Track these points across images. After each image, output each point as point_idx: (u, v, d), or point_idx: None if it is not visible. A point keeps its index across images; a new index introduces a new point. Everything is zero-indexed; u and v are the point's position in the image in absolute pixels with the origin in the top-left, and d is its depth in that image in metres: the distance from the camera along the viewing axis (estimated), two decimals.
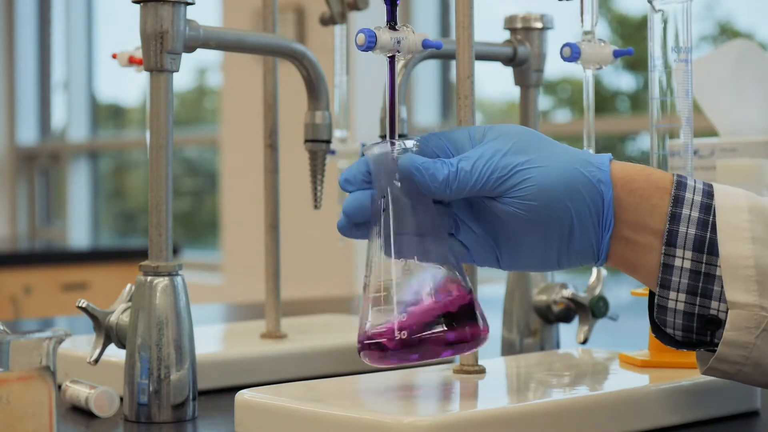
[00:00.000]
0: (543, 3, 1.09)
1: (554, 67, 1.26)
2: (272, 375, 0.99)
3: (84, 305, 0.86)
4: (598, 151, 0.92)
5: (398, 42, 0.78)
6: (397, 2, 0.79)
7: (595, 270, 1.06)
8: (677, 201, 0.76)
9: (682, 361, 0.88)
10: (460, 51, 0.85)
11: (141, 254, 2.90)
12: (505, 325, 1.08)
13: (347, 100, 1.16)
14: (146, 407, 0.84)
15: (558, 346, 1.09)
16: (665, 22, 0.89)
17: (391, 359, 0.75)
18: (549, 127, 3.09)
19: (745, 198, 0.76)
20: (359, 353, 0.76)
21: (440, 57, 1.02)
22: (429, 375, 0.87)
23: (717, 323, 0.75)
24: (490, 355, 1.00)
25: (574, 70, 1.55)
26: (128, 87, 4.74)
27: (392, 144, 0.77)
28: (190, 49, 0.88)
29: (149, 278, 0.85)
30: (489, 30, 1.14)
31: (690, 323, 0.76)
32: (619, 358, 0.93)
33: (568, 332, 1.11)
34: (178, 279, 0.86)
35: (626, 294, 1.06)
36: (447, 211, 0.79)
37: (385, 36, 0.78)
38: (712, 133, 1.25)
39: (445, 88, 3.37)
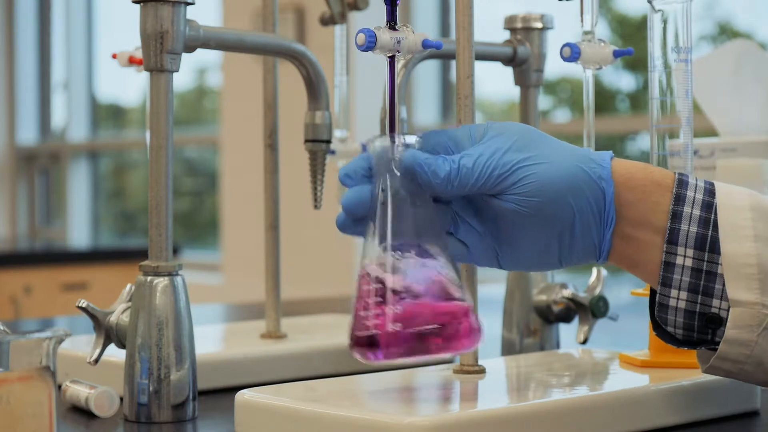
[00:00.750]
0: (543, 3, 1.09)
1: (554, 67, 1.26)
2: (272, 375, 0.99)
3: (84, 305, 0.86)
4: (597, 151, 0.92)
5: (398, 42, 0.78)
6: (397, 2, 0.79)
7: (595, 270, 1.06)
8: (679, 199, 0.76)
9: (682, 361, 0.88)
10: (460, 51, 0.85)
11: (141, 254, 2.90)
12: (505, 325, 1.08)
13: (347, 100, 1.16)
14: (146, 407, 0.84)
15: (558, 346, 1.09)
16: (665, 22, 0.89)
17: (383, 354, 0.75)
18: (549, 126, 3.09)
19: (748, 196, 0.76)
20: (350, 348, 0.75)
21: (440, 57, 1.02)
22: (429, 375, 0.87)
23: (718, 321, 0.75)
24: (490, 355, 1.00)
25: (574, 69, 1.54)
26: (128, 87, 4.75)
27: (394, 139, 0.77)
28: (190, 49, 0.88)
29: (149, 278, 0.85)
30: (489, 30, 1.14)
31: (691, 321, 0.76)
32: (619, 358, 0.93)
33: (568, 332, 1.11)
34: (178, 279, 0.86)
35: (626, 294, 1.06)
36: (446, 209, 0.79)
37: (385, 36, 0.78)
38: (712, 133, 1.25)
39: (445, 88, 3.37)
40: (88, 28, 4.63)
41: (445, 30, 3.34)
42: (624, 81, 3.22)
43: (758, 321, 0.74)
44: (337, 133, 1.14)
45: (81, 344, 1.01)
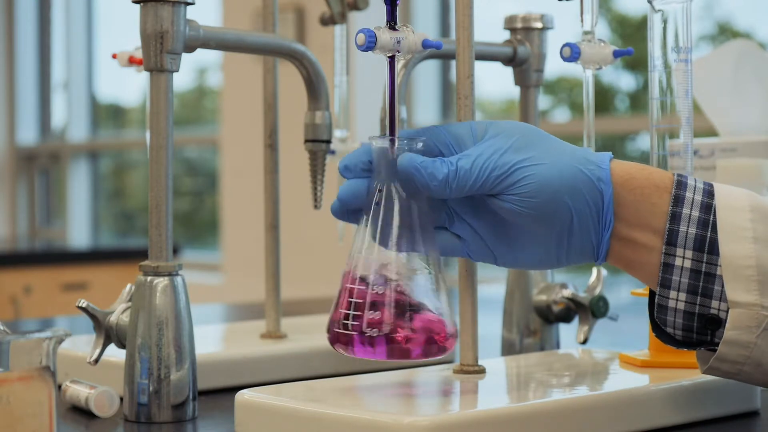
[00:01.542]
0: (543, 3, 1.09)
1: (554, 66, 1.26)
2: (272, 375, 0.99)
3: (84, 305, 0.86)
4: (597, 151, 0.92)
5: (398, 42, 0.78)
6: (397, 2, 0.79)
7: (595, 270, 1.06)
8: (677, 200, 0.76)
9: (682, 361, 0.88)
10: (460, 51, 0.85)
11: (141, 254, 2.90)
12: (505, 325, 1.08)
13: (347, 100, 1.16)
14: (146, 407, 0.84)
15: (558, 346, 1.09)
16: (665, 22, 0.89)
17: (358, 350, 0.76)
18: (549, 126, 3.09)
19: (747, 197, 0.76)
20: (330, 341, 0.78)
21: (440, 57, 1.02)
22: (429, 375, 0.87)
23: (717, 323, 0.75)
24: (490, 355, 1.00)
25: (574, 69, 1.55)
26: (128, 87, 4.75)
27: (394, 141, 0.77)
28: (190, 49, 0.88)
29: (149, 278, 0.85)
30: (489, 30, 1.14)
31: (690, 323, 0.76)
32: (619, 358, 0.93)
33: (568, 332, 1.11)
34: (178, 279, 0.86)
35: (626, 294, 1.06)
36: (441, 205, 0.80)
37: (385, 36, 0.78)
38: (712, 133, 1.25)
39: (445, 88, 3.37)
40: (88, 28, 4.63)
41: (445, 30, 3.34)
42: (624, 81, 3.22)
43: (757, 322, 0.74)
44: (337, 133, 1.14)
45: (81, 344, 1.01)
